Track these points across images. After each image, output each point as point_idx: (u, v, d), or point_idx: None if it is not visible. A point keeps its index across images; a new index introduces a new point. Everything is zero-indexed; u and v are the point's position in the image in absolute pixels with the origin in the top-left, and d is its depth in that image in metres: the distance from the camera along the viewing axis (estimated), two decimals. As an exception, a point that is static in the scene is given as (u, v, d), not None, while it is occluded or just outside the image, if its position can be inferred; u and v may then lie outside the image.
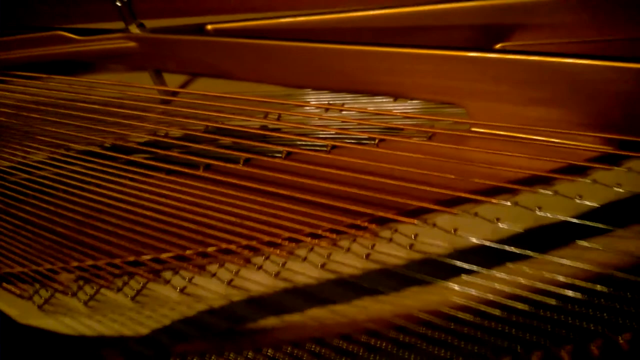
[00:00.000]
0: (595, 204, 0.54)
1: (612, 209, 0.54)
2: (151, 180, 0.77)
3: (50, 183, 0.84)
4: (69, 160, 0.88)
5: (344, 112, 0.81)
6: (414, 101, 0.79)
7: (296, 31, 0.88)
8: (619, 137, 0.58)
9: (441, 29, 0.77)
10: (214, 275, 0.62)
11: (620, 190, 0.55)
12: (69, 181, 0.83)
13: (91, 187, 0.81)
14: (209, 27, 0.91)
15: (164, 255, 0.65)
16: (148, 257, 0.66)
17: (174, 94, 1.03)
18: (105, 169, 0.82)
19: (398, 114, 0.76)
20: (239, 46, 0.85)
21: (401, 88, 0.73)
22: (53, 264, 0.69)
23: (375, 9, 0.81)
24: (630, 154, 0.56)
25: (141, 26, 0.97)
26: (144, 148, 0.85)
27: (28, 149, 0.96)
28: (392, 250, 0.57)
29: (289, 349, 0.53)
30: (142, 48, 0.96)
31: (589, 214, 0.54)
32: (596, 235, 0.53)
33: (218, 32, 0.91)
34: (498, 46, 0.76)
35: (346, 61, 0.75)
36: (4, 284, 0.70)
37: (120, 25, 0.98)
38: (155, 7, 1.01)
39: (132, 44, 0.97)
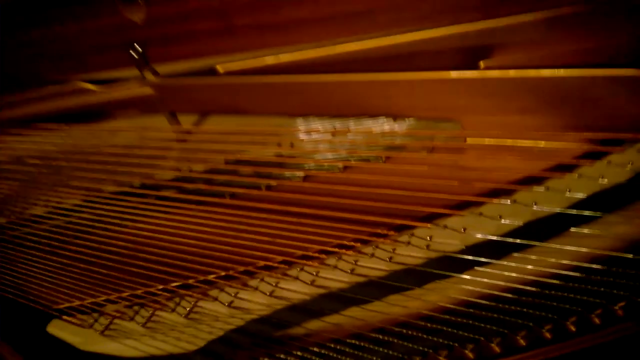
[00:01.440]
0: (583, 195, 0.61)
1: (599, 198, 0.61)
2: (183, 212, 0.83)
3: (89, 222, 0.90)
4: (102, 200, 0.94)
5: (349, 136, 0.88)
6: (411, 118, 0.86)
7: (299, 66, 0.95)
8: (598, 135, 0.66)
9: (430, 54, 0.85)
10: (256, 288, 0.68)
11: (604, 181, 0.62)
12: (107, 219, 0.89)
13: (128, 223, 0.87)
14: (219, 67, 0.98)
15: (209, 277, 0.71)
16: (193, 280, 0.72)
17: (189, 132, 1.09)
18: (140, 205, 0.88)
19: (400, 132, 0.82)
20: (248, 84, 0.92)
21: (399, 108, 0.80)
22: (109, 294, 0.75)
23: (368, 39, 0.88)
24: (609, 149, 0.63)
25: (155, 73, 1.03)
26: (171, 184, 0.91)
27: (62, 195, 1.01)
28: (411, 251, 0.64)
29: (332, 345, 0.59)
30: (158, 93, 1.03)
31: (579, 204, 0.61)
32: (587, 222, 0.60)
33: (228, 73, 0.98)
34: (482, 64, 0.84)
35: (351, 89, 0.83)
36: (64, 317, 0.76)
37: (131, 70, 1.04)
38: (167, 52, 1.08)
39: (148, 90, 1.04)
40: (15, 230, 1.00)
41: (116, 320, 0.73)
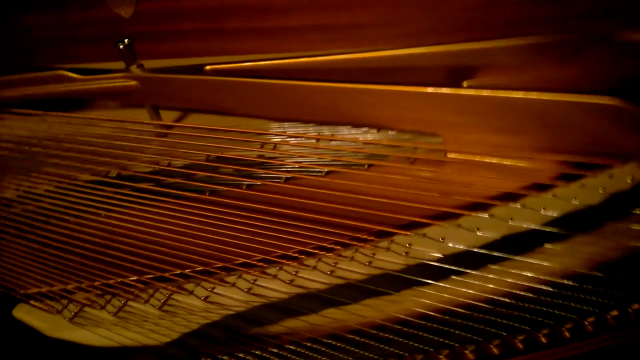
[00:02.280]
0: (556, 214, 0.63)
1: (571, 218, 0.63)
2: (160, 205, 0.82)
3: (62, 209, 0.88)
4: (76, 189, 0.92)
5: (333, 142, 0.88)
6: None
7: (286, 71, 0.95)
8: (573, 158, 0.68)
9: (415, 70, 0.86)
10: (233, 285, 0.67)
11: (576, 203, 0.64)
12: (80, 207, 0.87)
13: (102, 213, 0.85)
14: (208, 67, 0.97)
15: (185, 271, 0.70)
16: (168, 273, 0.71)
17: (170, 127, 1.08)
18: (116, 196, 0.86)
19: (383, 142, 0.83)
20: (234, 84, 0.91)
21: (384, 120, 0.81)
22: (79, 282, 0.73)
23: (356, 52, 0.89)
24: (583, 172, 0.65)
25: (140, 66, 1.02)
26: (149, 176, 0.89)
27: (35, 180, 0.99)
28: (390, 257, 0.64)
29: (309, 344, 0.59)
30: (143, 86, 1.02)
31: (552, 223, 0.63)
32: (559, 240, 0.61)
33: (215, 71, 0.97)
34: (465, 84, 0.85)
35: (334, 97, 0.83)
36: (32, 302, 0.74)
37: (117, 65, 1.03)
38: (154, 48, 1.07)
39: (133, 83, 1.02)
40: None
41: (86, 309, 0.71)
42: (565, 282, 0.56)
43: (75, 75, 1.07)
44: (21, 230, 0.89)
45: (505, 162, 0.72)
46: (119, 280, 0.72)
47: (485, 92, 0.71)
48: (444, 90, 0.73)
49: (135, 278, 0.71)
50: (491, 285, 0.58)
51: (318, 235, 0.68)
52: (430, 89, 0.74)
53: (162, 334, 0.64)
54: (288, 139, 0.89)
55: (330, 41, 0.94)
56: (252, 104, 0.93)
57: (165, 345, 0.63)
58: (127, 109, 1.19)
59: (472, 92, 0.72)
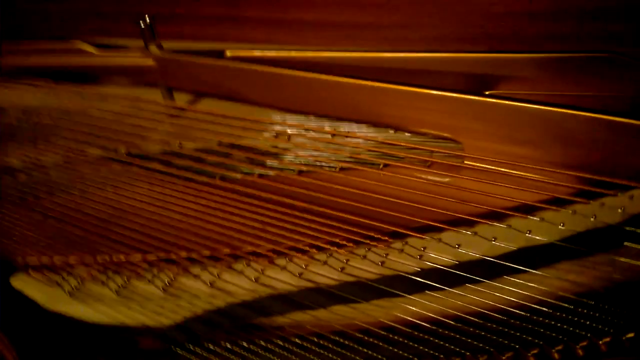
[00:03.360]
0: (574, 231, 0.62)
1: (590, 236, 0.61)
2: (169, 186, 0.80)
3: (68, 182, 0.86)
4: (84, 162, 0.89)
5: (348, 139, 0.86)
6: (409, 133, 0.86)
7: (307, 64, 0.93)
8: (593, 176, 0.66)
9: (438, 74, 0.84)
10: (240, 272, 0.65)
11: (592, 220, 0.62)
12: (87, 182, 0.84)
13: (109, 189, 0.82)
14: (229, 53, 0.95)
15: (191, 254, 0.68)
16: (174, 255, 0.68)
17: (184, 110, 1.06)
18: (124, 173, 0.84)
19: (402, 143, 0.81)
20: (254, 73, 0.89)
21: (406, 121, 0.80)
22: (81, 256, 0.71)
23: (381, 51, 0.88)
24: (604, 191, 0.64)
25: (159, 46, 1.00)
26: (159, 157, 0.87)
27: (42, 151, 0.96)
28: (404, 259, 0.62)
29: (315, 339, 0.57)
30: (160, 66, 0.99)
31: (570, 239, 0.61)
32: (576, 256, 0.60)
33: (235, 58, 0.95)
34: (487, 93, 0.84)
35: (354, 94, 0.81)
36: (32, 272, 0.71)
37: (135, 41, 1.00)
38: (172, 30, 1.04)
39: (150, 62, 1.00)
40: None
41: (87, 283, 0.69)
42: (582, 299, 0.55)
43: (92, 49, 1.04)
44: (23, 199, 0.86)
45: (524, 174, 0.70)
46: (123, 257, 0.69)
47: (509, 102, 0.69)
48: (469, 96, 0.71)
49: (139, 257, 0.69)
50: (505, 296, 0.57)
51: (329, 230, 0.67)
52: (454, 94, 0.72)
53: (165, 317, 0.62)
54: (303, 132, 0.87)
55: (350, 39, 0.92)
56: (270, 94, 0.91)
57: (168, 328, 0.61)
58: (139, 88, 1.16)
59: (496, 100, 0.70)
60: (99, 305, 0.65)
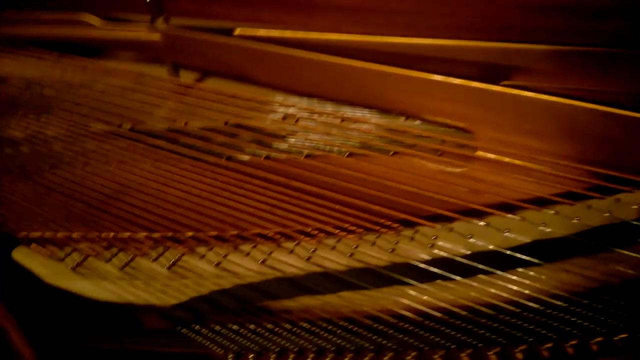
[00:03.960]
0: (588, 225, 0.61)
1: (605, 231, 0.60)
2: (175, 164, 0.78)
3: (71, 155, 0.84)
4: (87, 136, 0.87)
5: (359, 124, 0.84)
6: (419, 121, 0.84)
7: (317, 47, 0.91)
8: (608, 171, 0.65)
9: (454, 62, 0.83)
10: (247, 254, 0.64)
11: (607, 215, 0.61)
12: (90, 156, 0.83)
13: (113, 163, 0.81)
14: (237, 31, 0.93)
15: (197, 234, 0.66)
16: (179, 234, 0.67)
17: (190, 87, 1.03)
18: (129, 148, 0.82)
19: (415, 131, 0.80)
20: (263, 53, 0.87)
21: (419, 109, 0.78)
22: (85, 232, 0.69)
23: (393, 36, 0.86)
24: (620, 187, 0.63)
25: (166, 21, 0.98)
26: (165, 134, 0.85)
27: (45, 123, 0.94)
28: (414, 247, 0.61)
29: (324, 324, 0.56)
30: (167, 42, 0.97)
31: (585, 234, 0.60)
32: (589, 252, 0.59)
33: (244, 37, 0.93)
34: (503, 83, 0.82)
35: (364, 78, 0.80)
36: (34, 245, 0.69)
37: (141, 16, 0.98)
38: (181, 7, 1.02)
39: (156, 37, 0.97)
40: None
41: (90, 259, 0.67)
42: (595, 295, 0.54)
43: (96, 21, 1.02)
44: (26, 171, 0.84)
45: (538, 167, 0.69)
46: (127, 234, 0.68)
47: (525, 93, 0.68)
48: (485, 85, 0.70)
49: (144, 234, 0.67)
50: (516, 288, 0.56)
51: (338, 215, 0.65)
52: (470, 82, 0.71)
53: (170, 296, 0.61)
54: (311, 115, 0.86)
55: (359, 23, 0.90)
56: (279, 75, 0.89)
57: (173, 307, 0.59)
58: (144, 64, 1.14)
59: (513, 91, 0.69)
60: (102, 282, 0.64)
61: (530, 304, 0.54)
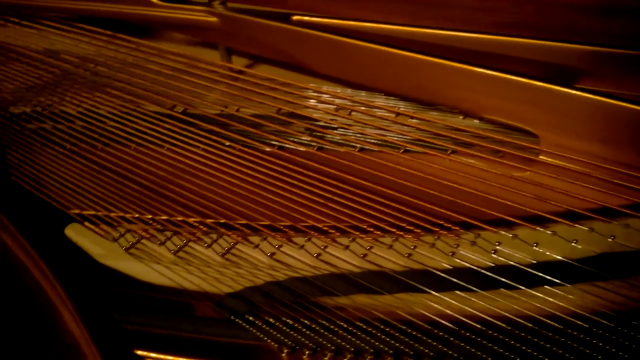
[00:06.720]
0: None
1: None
2: (227, 150, 0.76)
3: (123, 135, 0.83)
4: (140, 117, 0.86)
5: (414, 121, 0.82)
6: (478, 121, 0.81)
7: (378, 38, 0.88)
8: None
9: (522, 61, 0.79)
10: (301, 247, 0.62)
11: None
12: (143, 136, 0.82)
13: (166, 145, 0.80)
14: (295, 17, 0.91)
15: (250, 222, 0.65)
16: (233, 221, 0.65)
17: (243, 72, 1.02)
18: (181, 132, 0.81)
19: (473, 130, 0.77)
20: (322, 40, 0.85)
21: (479, 107, 0.75)
22: (141, 213, 0.68)
23: (459, 30, 0.83)
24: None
25: (223, 4, 0.96)
26: (217, 119, 0.84)
27: (97, 100, 0.93)
28: (476, 253, 0.58)
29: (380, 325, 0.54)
30: (223, 25, 0.96)
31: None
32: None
33: (302, 24, 0.91)
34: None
35: (424, 72, 0.76)
36: (87, 224, 0.69)
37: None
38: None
39: (213, 19, 0.96)
40: (41, 122, 0.92)
41: (144, 242, 0.66)
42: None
43: (156, 1, 1.01)
44: (79, 148, 0.84)
45: (603, 176, 0.66)
46: (180, 218, 0.67)
47: (598, 97, 0.64)
48: (556, 87, 0.66)
49: (198, 219, 0.66)
50: (581, 303, 0.53)
51: (394, 213, 0.63)
52: (539, 83, 0.67)
53: (224, 284, 0.59)
54: (366, 108, 0.83)
55: (416, 16, 0.87)
56: (335, 65, 0.86)
57: (227, 295, 0.58)
58: (195, 47, 1.13)
59: (585, 94, 0.65)
60: (155, 265, 0.63)
61: (598, 318, 0.51)
